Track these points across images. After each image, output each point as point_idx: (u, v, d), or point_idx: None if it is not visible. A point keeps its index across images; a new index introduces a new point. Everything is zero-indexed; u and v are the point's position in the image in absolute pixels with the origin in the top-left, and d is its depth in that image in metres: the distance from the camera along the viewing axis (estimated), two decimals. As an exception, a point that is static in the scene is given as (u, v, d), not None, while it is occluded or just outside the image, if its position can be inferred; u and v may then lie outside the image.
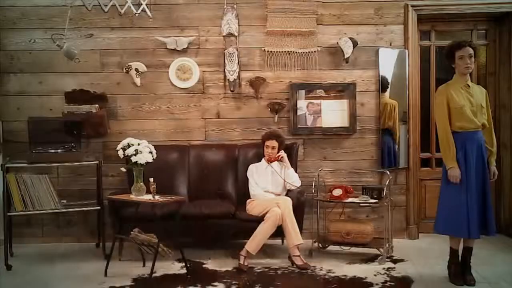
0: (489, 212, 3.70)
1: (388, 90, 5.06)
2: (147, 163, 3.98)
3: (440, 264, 4.02)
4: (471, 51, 3.69)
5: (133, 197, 4.01)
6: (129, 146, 4.02)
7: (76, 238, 5.03)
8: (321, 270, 4.09)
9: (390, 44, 5.05)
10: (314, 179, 4.65)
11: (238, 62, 5.03)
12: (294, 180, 4.57)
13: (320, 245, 4.64)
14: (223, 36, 5.03)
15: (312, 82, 5.05)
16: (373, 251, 4.47)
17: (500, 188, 5.23)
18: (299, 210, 4.35)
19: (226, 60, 5.02)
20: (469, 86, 3.77)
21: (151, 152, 4.03)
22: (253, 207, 4.39)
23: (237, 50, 5.03)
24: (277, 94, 5.07)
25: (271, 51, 5.03)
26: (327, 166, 4.99)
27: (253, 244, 4.15)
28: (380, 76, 5.00)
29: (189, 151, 4.94)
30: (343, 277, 3.93)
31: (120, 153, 4.04)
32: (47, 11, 5.01)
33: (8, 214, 4.34)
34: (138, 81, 5.02)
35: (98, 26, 5.02)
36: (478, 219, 3.63)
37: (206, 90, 5.08)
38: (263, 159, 4.69)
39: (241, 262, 4.14)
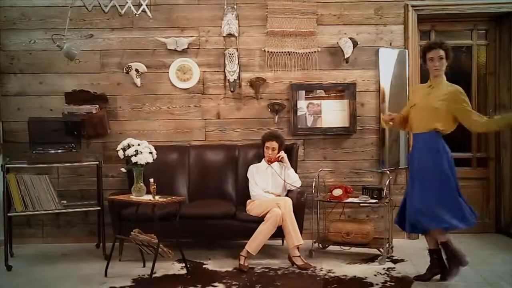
0: (440, 209, 3.60)
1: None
2: (147, 163, 3.98)
3: (440, 264, 4.01)
4: (441, 53, 3.63)
5: (133, 197, 4.01)
6: (129, 146, 4.02)
7: (76, 239, 5.03)
8: (321, 270, 4.09)
9: (390, 44, 5.05)
10: (314, 179, 4.65)
11: (238, 63, 5.03)
12: (295, 181, 4.57)
13: (320, 245, 4.64)
14: (223, 36, 5.03)
15: (312, 82, 5.05)
16: (373, 251, 4.47)
17: (500, 188, 5.23)
18: (299, 211, 4.35)
19: (226, 60, 5.02)
20: (431, 86, 3.71)
21: (151, 153, 4.03)
22: (253, 208, 4.39)
23: (237, 51, 5.03)
24: (277, 94, 5.07)
25: (271, 52, 5.03)
26: (327, 166, 4.99)
27: (253, 244, 4.15)
28: (379, 76, 5.00)
29: (189, 151, 4.94)
30: (343, 277, 3.93)
31: (120, 153, 4.04)
32: (47, 12, 5.01)
33: (8, 214, 4.34)
34: (138, 81, 5.02)
35: (98, 26, 5.02)
36: (425, 216, 3.61)
37: (206, 90, 5.08)
38: (263, 159, 4.69)
39: (241, 262, 4.14)
